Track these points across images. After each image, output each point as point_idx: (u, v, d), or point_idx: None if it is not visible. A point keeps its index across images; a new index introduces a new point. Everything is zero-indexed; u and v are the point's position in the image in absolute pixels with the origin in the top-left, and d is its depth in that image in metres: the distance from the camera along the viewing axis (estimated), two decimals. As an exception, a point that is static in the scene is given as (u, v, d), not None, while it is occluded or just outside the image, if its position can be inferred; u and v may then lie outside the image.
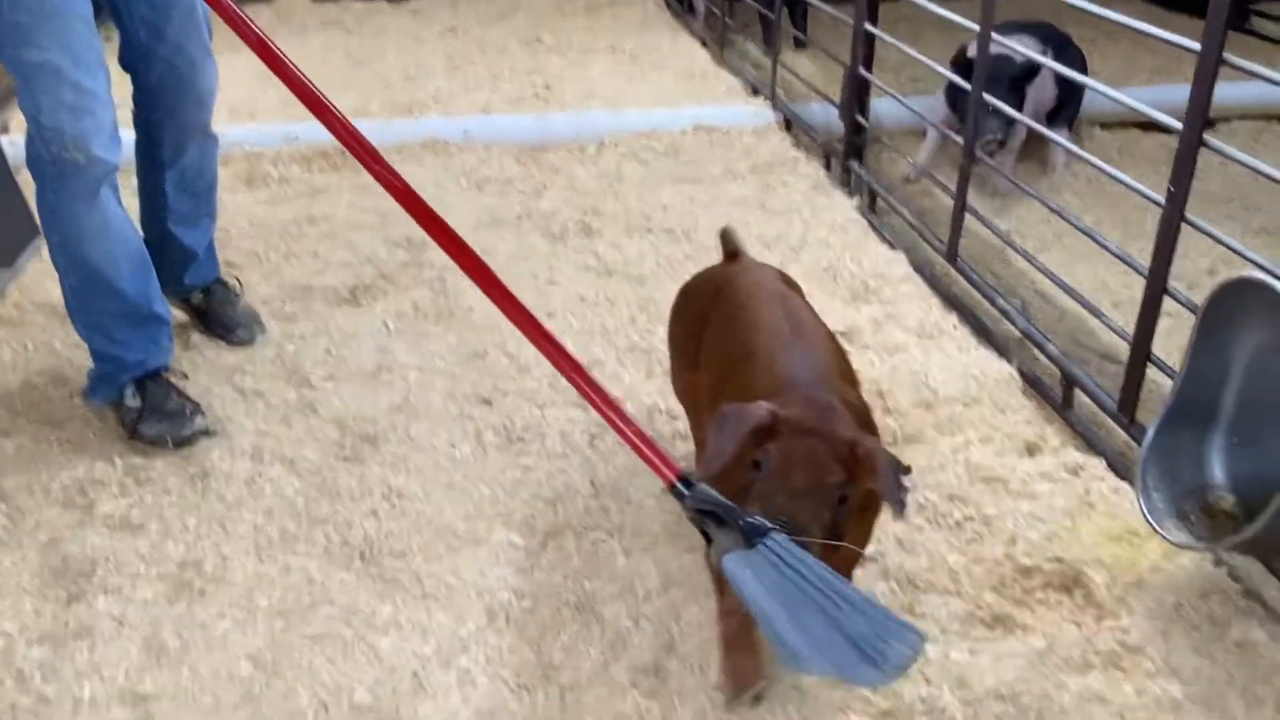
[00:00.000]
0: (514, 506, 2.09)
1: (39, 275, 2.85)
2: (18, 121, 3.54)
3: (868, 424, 1.61)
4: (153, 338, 2.25)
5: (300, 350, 2.57)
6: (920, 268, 2.94)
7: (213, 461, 2.19)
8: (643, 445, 1.51)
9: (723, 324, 1.83)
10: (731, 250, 2.03)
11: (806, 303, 1.87)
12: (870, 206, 3.36)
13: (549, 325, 2.66)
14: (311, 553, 1.97)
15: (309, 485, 2.13)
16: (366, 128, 3.76)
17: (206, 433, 2.24)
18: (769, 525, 1.37)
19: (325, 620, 1.83)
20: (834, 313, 2.69)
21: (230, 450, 2.23)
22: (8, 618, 1.84)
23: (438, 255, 2.99)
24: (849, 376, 1.74)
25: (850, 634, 1.32)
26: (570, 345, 2.58)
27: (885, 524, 2.01)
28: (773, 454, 1.43)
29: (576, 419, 2.33)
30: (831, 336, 1.80)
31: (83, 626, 1.81)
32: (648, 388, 2.42)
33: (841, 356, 1.77)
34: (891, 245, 3.07)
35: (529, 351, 2.56)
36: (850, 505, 1.44)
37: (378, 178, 1.63)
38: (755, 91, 4.29)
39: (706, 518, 1.41)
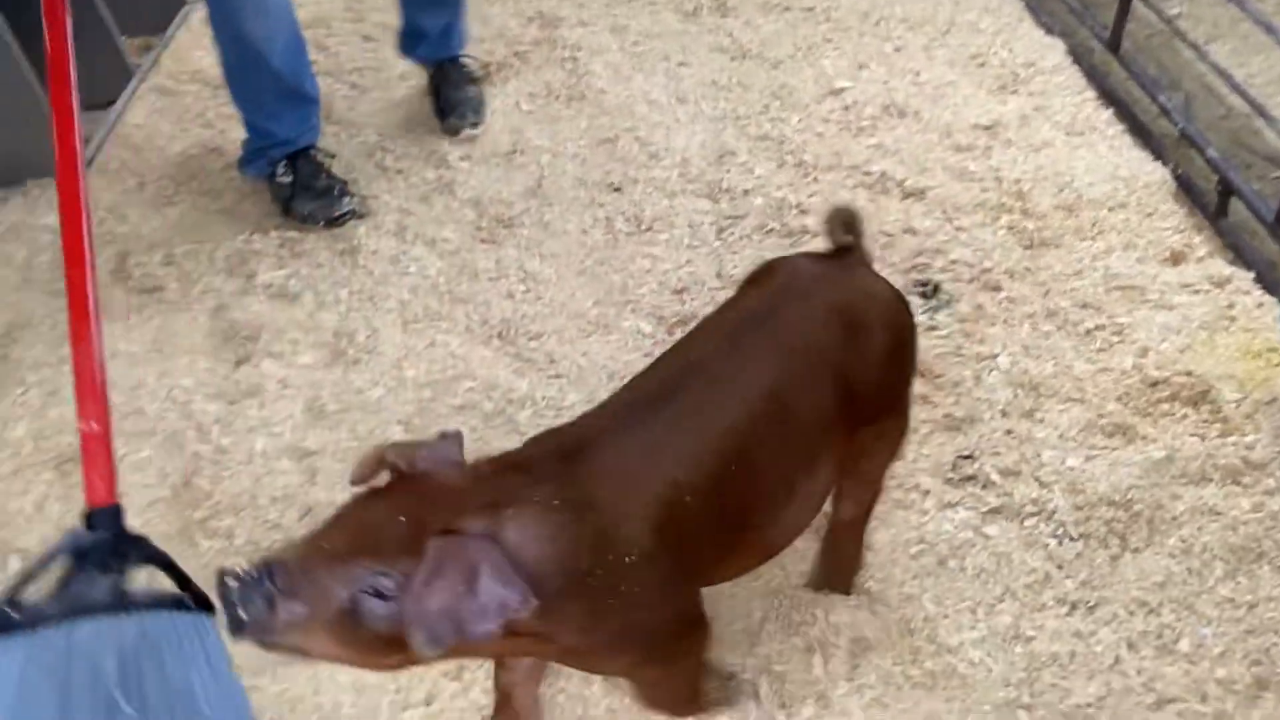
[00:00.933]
0: (642, 294, 2.15)
1: (189, 45, 2.92)
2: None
3: (554, 542, 1.12)
4: (303, 116, 2.32)
5: (436, 129, 2.62)
6: (1077, 56, 2.76)
7: (359, 237, 2.30)
8: (90, 448, 1.13)
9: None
10: (840, 242, 1.45)
11: (833, 365, 1.34)
12: (1029, -16, 3.13)
13: (679, 111, 2.64)
14: (453, 329, 2.09)
15: (450, 265, 2.23)
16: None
17: (355, 214, 2.33)
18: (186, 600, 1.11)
19: (467, 392, 1.97)
20: (977, 104, 2.57)
21: (376, 227, 2.33)
22: (185, 374, 2.03)
23: (570, 33, 2.96)
24: (691, 484, 1.22)
25: None
26: (700, 132, 2.59)
27: (1012, 327, 2.01)
28: (349, 502, 1.12)
29: (705, 209, 2.34)
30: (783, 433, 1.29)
31: (252, 386, 1.99)
32: (778, 179, 2.40)
33: (745, 449, 1.26)
34: (1048, 30, 2.87)
35: (659, 138, 2.56)
36: (401, 611, 1.02)
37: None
38: None
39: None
